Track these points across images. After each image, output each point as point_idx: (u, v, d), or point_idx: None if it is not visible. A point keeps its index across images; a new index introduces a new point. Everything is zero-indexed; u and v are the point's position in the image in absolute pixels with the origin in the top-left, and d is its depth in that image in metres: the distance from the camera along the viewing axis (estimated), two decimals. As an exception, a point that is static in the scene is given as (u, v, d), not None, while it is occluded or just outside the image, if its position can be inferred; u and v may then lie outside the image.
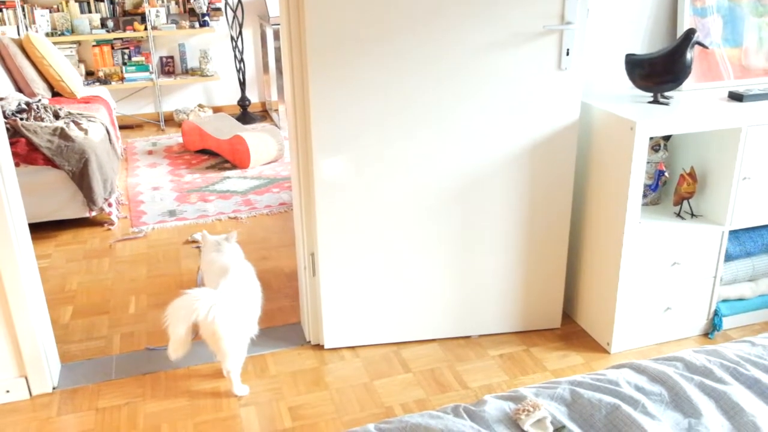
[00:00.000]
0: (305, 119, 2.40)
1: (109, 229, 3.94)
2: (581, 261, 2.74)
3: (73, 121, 4.05)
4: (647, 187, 2.70)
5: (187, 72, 6.17)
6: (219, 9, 6.03)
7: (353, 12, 2.24)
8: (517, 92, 2.43)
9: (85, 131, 3.94)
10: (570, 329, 2.82)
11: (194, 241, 3.72)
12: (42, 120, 4.03)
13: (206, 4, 5.91)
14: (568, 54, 2.40)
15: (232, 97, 6.37)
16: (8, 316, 2.37)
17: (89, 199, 3.81)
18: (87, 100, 4.82)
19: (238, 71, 6.10)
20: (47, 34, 5.55)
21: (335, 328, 2.65)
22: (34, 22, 5.53)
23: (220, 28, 6.14)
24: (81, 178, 3.78)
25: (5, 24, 5.47)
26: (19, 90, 4.79)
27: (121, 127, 6.03)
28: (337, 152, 2.40)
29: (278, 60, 5.77)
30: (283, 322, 2.92)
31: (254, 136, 4.84)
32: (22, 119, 4.00)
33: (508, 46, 2.37)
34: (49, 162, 3.71)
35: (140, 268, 3.46)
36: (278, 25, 5.61)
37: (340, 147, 2.39)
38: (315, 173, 2.41)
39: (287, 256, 3.53)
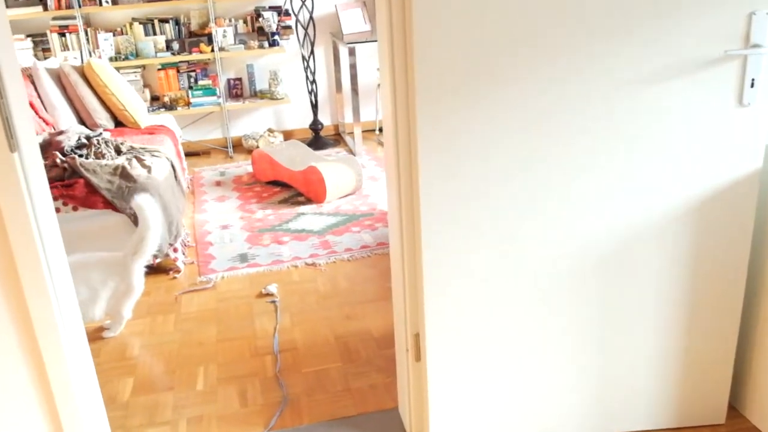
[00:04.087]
0: (410, 180, 1.91)
1: (175, 278, 3.55)
2: (755, 344, 2.17)
3: (136, 157, 3.68)
4: None
5: (255, 95, 5.79)
6: (289, 27, 5.64)
7: (472, 53, 1.74)
8: (680, 135, 1.89)
9: (149, 168, 3.57)
10: (737, 426, 2.24)
11: (269, 294, 3.29)
12: (103, 156, 3.68)
13: (276, 22, 5.52)
14: (752, 85, 1.85)
15: (304, 120, 5.97)
16: (50, 400, 1.95)
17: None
18: (151, 131, 4.47)
19: (310, 93, 5.69)
20: (111, 59, 5.26)
21: (443, 422, 2.15)
22: (97, 47, 5.24)
23: (290, 47, 5.75)
24: (144, 222, 3.40)
25: (69, 49, 5.20)
26: (81, 121, 4.48)
27: (188, 155, 5.70)
28: (449, 217, 1.90)
29: (353, 78, 5.33)
30: (377, 407, 2.44)
31: (330, 166, 4.40)
32: (81, 155, 3.66)
33: (672, 78, 1.83)
34: (109, 205, 3.35)
35: (209, 328, 3.04)
36: (353, 43, 5.17)
37: (453, 211, 1.89)
38: (423, 242, 1.92)
39: (375, 314, 3.05)
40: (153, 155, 3.81)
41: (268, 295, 3.29)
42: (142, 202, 2.89)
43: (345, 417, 2.40)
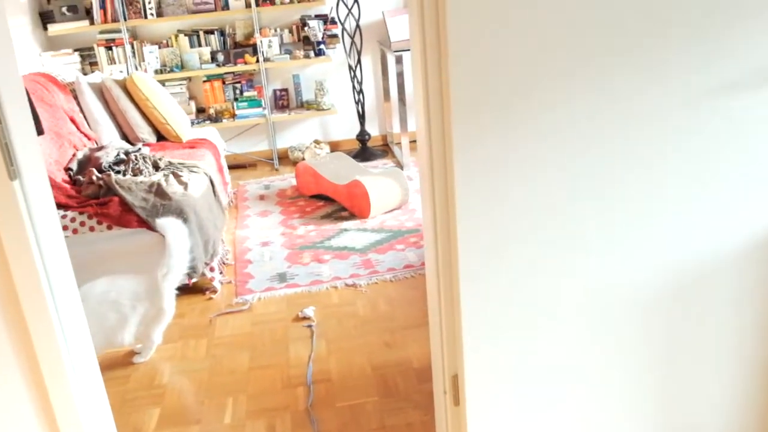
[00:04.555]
0: (446, 206, 1.71)
1: (211, 298, 3.43)
2: None
3: (173, 173, 3.58)
4: None
5: (302, 105, 5.67)
6: (335, 36, 5.50)
7: (515, 67, 1.53)
8: (760, 154, 1.64)
9: (185, 185, 3.46)
10: (826, 484, 1.96)
11: (305, 318, 3.12)
12: (140, 172, 3.59)
13: (321, 31, 5.39)
14: None
15: (351, 131, 5.82)
16: None
17: (188, 265, 3.30)
18: (192, 145, 4.38)
19: (357, 103, 5.54)
20: (157, 71, 5.21)
21: (486, 473, 1.94)
22: (143, 60, 5.21)
23: (336, 56, 5.60)
24: (179, 241, 3.28)
25: (115, 63, 5.18)
26: (124, 135, 4.42)
27: (234, 167, 5.61)
28: (491, 247, 1.69)
29: (400, 87, 5.14)
30: (414, 450, 2.25)
31: (375, 180, 4.23)
32: (118, 172, 3.58)
33: (747, 90, 1.58)
34: (144, 224, 3.24)
35: (241, 354, 2.89)
36: (401, 51, 5.00)
37: (495, 240, 1.68)
38: (460, 274, 1.72)
39: (416, 342, 2.85)
40: (191, 171, 3.70)
41: (304, 318, 3.12)
42: (165, 224, 2.78)
43: (379, 460, 2.21)
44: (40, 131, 2.33)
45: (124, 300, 2.75)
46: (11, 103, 1.58)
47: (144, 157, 3.71)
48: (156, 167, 3.70)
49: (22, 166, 1.61)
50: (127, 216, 3.24)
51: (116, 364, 2.91)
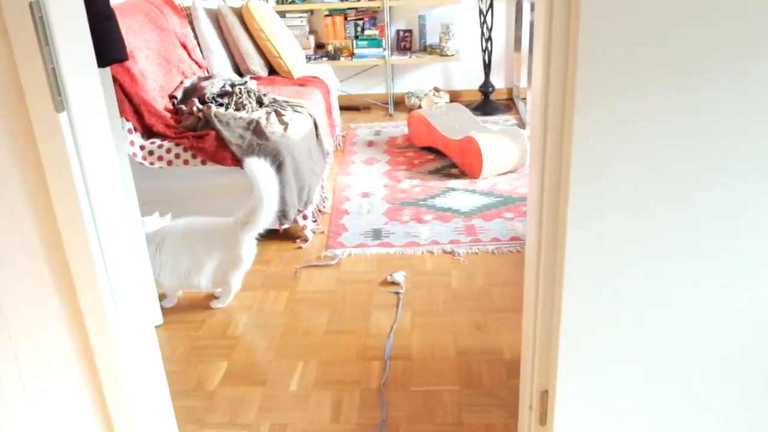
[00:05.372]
0: (557, 195, 1.37)
1: (301, 248, 3.25)
2: None
3: (276, 111, 3.39)
4: None
5: (424, 49, 5.33)
6: (468, -25, 5.08)
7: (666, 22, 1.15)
8: None
9: (286, 125, 3.25)
10: None
11: (394, 283, 2.88)
12: (243, 107, 3.42)
13: (454, -31, 4.98)
14: None
15: (474, 80, 5.42)
16: (101, 398, 1.69)
17: (280, 211, 3.13)
18: (302, 82, 4.17)
19: (484, 51, 5.12)
20: (278, 1, 5.01)
21: (569, 507, 1.64)
22: (266, -12, 5.02)
23: (467, -2, 5.19)
24: (272, 184, 3.10)
25: (239, -11, 5.02)
26: (236, 66, 4.27)
27: (346, 108, 5.39)
28: (604, 254, 1.35)
29: (532, 38, 4.69)
30: (490, 457, 1.97)
31: (490, 138, 3.86)
32: (221, 105, 3.43)
33: None
34: (237, 162, 3.08)
35: (320, 314, 2.69)
36: (537, -3, 4.51)
37: (612, 247, 1.34)
38: (565, 283, 1.39)
39: (510, 329, 2.54)
40: (295, 110, 3.49)
41: (393, 284, 2.88)
42: (254, 166, 2.57)
43: (448, 463, 1.95)
44: (123, 56, 2.16)
45: (198, 245, 2.61)
46: (61, 21, 1.38)
47: (249, 92, 3.54)
48: (260, 103, 3.52)
49: (72, 97, 1.42)
50: (222, 152, 3.09)
51: (194, 307, 2.80)
